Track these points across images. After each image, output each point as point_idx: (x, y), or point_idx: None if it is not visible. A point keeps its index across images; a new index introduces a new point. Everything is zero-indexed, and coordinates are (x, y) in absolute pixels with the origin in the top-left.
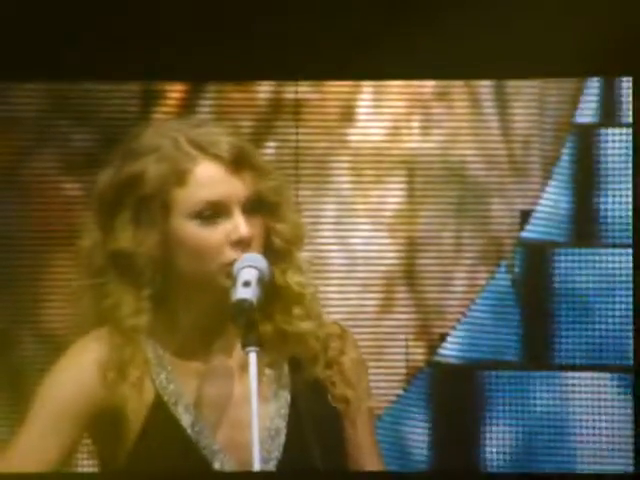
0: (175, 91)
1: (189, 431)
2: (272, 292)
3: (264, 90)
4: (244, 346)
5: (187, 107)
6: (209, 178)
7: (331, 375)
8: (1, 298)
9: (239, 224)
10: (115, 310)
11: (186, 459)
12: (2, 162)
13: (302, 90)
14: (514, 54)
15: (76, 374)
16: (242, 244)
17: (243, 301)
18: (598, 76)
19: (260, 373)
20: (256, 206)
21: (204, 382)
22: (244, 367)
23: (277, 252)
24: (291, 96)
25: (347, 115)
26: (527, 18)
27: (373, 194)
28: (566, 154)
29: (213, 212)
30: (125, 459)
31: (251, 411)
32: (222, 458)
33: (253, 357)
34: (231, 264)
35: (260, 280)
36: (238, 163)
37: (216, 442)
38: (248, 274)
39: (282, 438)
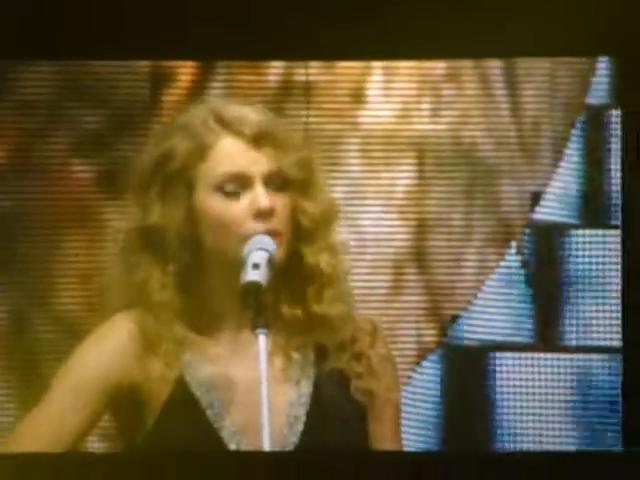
0: (185, 73)
1: (208, 412)
2: (303, 273)
3: (275, 72)
4: (253, 328)
5: (197, 89)
6: (229, 153)
7: (358, 367)
8: (14, 280)
9: (259, 196)
10: (144, 286)
11: (203, 440)
12: (14, 144)
13: (312, 72)
14: (522, 32)
15: (102, 352)
16: (263, 215)
17: (252, 283)
18: (580, 56)
19: (286, 355)
20: (280, 182)
21: (226, 364)
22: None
23: (306, 231)
24: (301, 78)
25: (357, 97)
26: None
27: (383, 176)
28: (576, 135)
29: (235, 185)
30: (144, 438)
31: (261, 394)
32: (238, 440)
33: (262, 340)
34: (253, 236)
35: (270, 262)
36: (260, 139)
37: (233, 424)
38: (258, 256)
39: (300, 426)
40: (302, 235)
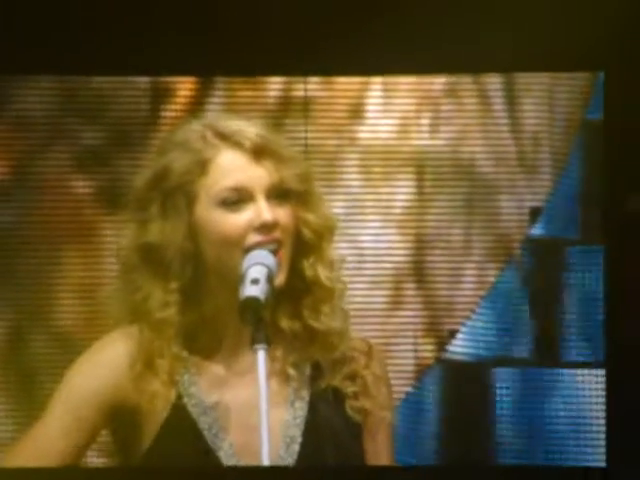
0: (184, 88)
1: (205, 433)
2: (301, 286)
3: (273, 87)
4: (253, 344)
5: (196, 104)
6: (230, 166)
7: (352, 387)
8: (13, 296)
9: (262, 209)
10: (145, 303)
11: (201, 461)
12: (14, 159)
13: (311, 88)
14: (520, 47)
15: (101, 367)
16: (265, 229)
17: (251, 299)
18: (568, 71)
19: (282, 372)
20: (283, 194)
21: (224, 386)
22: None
23: (307, 244)
24: (300, 93)
25: (356, 112)
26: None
27: (382, 191)
28: (576, 150)
29: (237, 199)
30: (142, 456)
31: (261, 410)
32: (236, 462)
33: (261, 355)
34: (254, 249)
35: (269, 278)
36: (260, 151)
37: (231, 446)
38: (256, 272)
39: (296, 446)
40: (302, 248)
